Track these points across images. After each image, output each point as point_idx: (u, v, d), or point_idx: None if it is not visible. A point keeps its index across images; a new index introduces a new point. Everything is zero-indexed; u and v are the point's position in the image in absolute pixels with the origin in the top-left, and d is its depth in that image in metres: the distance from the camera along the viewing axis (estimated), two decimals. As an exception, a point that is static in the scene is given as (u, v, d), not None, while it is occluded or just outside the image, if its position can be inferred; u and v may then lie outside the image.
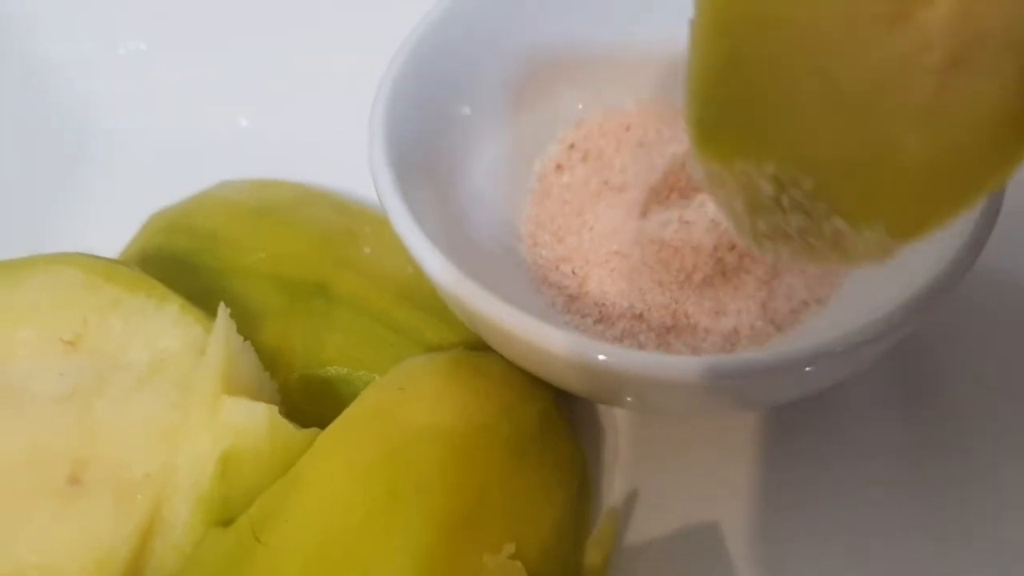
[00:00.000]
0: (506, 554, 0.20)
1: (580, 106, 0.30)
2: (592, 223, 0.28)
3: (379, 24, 0.28)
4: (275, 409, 0.22)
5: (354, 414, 0.22)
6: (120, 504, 0.21)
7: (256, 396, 0.23)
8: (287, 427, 0.22)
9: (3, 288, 0.23)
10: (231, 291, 0.27)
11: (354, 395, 0.23)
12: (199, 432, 0.21)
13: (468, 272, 0.22)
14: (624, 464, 0.26)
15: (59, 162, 0.34)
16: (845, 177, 0.15)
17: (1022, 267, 0.29)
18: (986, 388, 0.27)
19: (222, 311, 0.23)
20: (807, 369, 0.20)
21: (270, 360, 0.25)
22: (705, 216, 0.26)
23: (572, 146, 0.30)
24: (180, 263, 0.28)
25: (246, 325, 0.24)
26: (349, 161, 0.27)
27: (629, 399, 0.24)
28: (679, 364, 0.20)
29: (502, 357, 0.24)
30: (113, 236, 0.30)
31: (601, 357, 0.20)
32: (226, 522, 0.21)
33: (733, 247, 0.25)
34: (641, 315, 0.26)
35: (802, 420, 0.27)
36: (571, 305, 0.26)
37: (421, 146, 0.26)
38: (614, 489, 0.25)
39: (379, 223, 0.29)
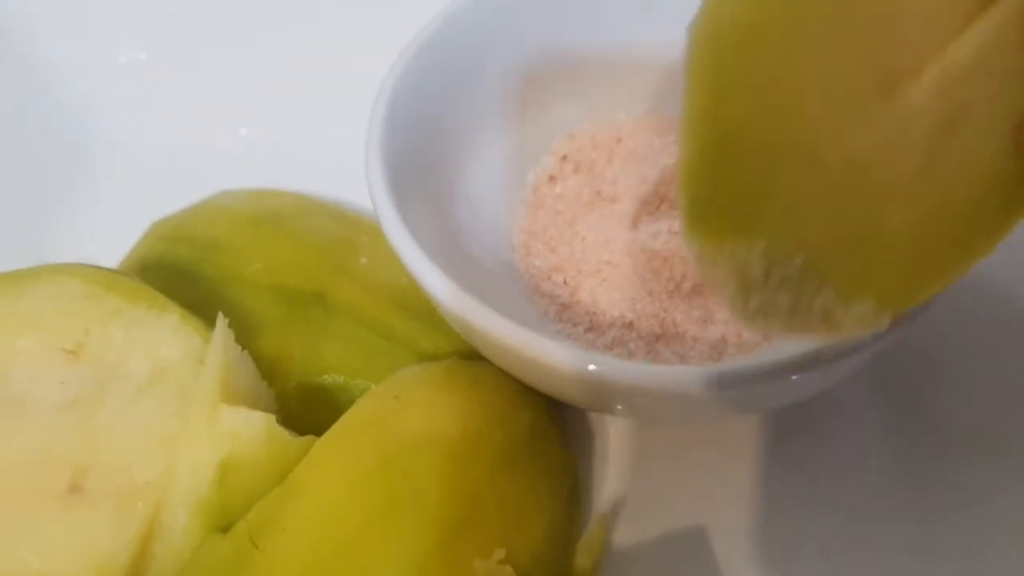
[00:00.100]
0: (496, 559, 0.21)
1: (573, 118, 0.31)
2: (584, 233, 0.28)
3: (377, 36, 0.29)
4: (272, 417, 0.22)
5: (350, 422, 0.23)
6: (121, 510, 0.22)
7: (254, 404, 0.23)
8: (284, 435, 0.22)
9: (6, 298, 0.24)
10: (230, 300, 0.27)
11: (351, 403, 0.24)
12: (198, 440, 0.22)
13: (462, 283, 0.22)
14: (614, 470, 0.26)
15: (61, 171, 0.34)
16: (835, 253, 0.16)
17: (1011, 274, 0.30)
18: (976, 393, 0.28)
19: (220, 321, 0.23)
20: (794, 377, 0.20)
21: (268, 368, 0.25)
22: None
23: (565, 157, 0.30)
24: (180, 272, 0.28)
25: (245, 334, 0.25)
26: (347, 170, 0.27)
27: (619, 407, 0.24)
28: (667, 373, 0.21)
29: (495, 366, 0.24)
30: (114, 244, 0.30)
31: (591, 367, 0.21)
32: (224, 528, 0.21)
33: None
34: (631, 324, 0.26)
35: (790, 426, 0.27)
36: (563, 314, 0.27)
37: (417, 158, 0.26)
38: (604, 494, 0.26)
39: (376, 232, 0.29)
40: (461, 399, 0.24)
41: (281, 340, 0.26)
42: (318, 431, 0.23)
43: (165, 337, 0.24)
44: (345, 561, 0.20)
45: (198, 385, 0.22)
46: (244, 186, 0.32)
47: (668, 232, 0.27)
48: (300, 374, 0.26)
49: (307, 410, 0.25)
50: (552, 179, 0.30)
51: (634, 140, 0.30)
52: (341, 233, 0.29)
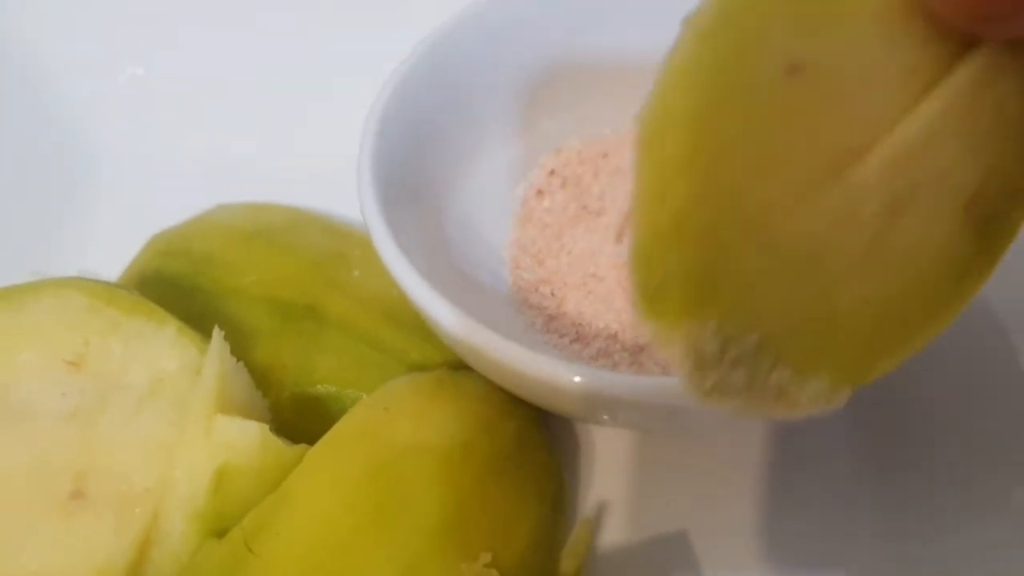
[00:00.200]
0: (482, 563, 0.22)
1: (560, 134, 0.31)
2: (570, 247, 0.29)
3: (368, 55, 0.30)
4: (266, 427, 0.23)
5: (341, 432, 0.23)
6: (120, 516, 0.22)
7: (249, 414, 0.24)
8: (278, 444, 0.23)
9: (9, 311, 0.25)
10: (225, 312, 0.28)
11: (342, 412, 0.24)
12: (195, 448, 0.22)
13: (450, 296, 0.23)
14: (599, 477, 0.27)
15: (61, 186, 0.35)
16: (788, 332, 0.16)
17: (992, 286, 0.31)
18: (953, 396, 0.29)
19: (216, 334, 0.24)
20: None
21: (262, 379, 0.26)
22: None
23: (552, 172, 0.31)
24: (177, 286, 0.29)
25: (240, 345, 0.25)
26: (339, 185, 0.28)
27: (604, 416, 0.25)
28: (650, 384, 0.22)
29: (483, 376, 0.25)
30: (113, 258, 0.31)
31: (576, 379, 0.21)
32: (220, 533, 0.22)
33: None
34: (616, 335, 0.27)
35: (769, 431, 0.28)
36: (550, 325, 0.28)
37: (408, 173, 0.27)
38: (589, 500, 0.27)
39: (368, 246, 0.30)
40: (449, 410, 0.24)
41: (275, 351, 0.27)
42: (311, 439, 0.24)
43: (163, 349, 0.25)
44: (337, 565, 0.21)
45: (195, 396, 0.23)
46: (239, 200, 0.32)
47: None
48: (293, 384, 0.27)
49: (300, 419, 0.26)
50: (540, 193, 0.31)
51: (620, 155, 0.31)
52: (333, 247, 0.30)
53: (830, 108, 0.15)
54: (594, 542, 0.26)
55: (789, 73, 0.15)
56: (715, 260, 0.15)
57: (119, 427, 0.24)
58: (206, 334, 0.25)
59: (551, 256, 0.29)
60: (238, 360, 0.24)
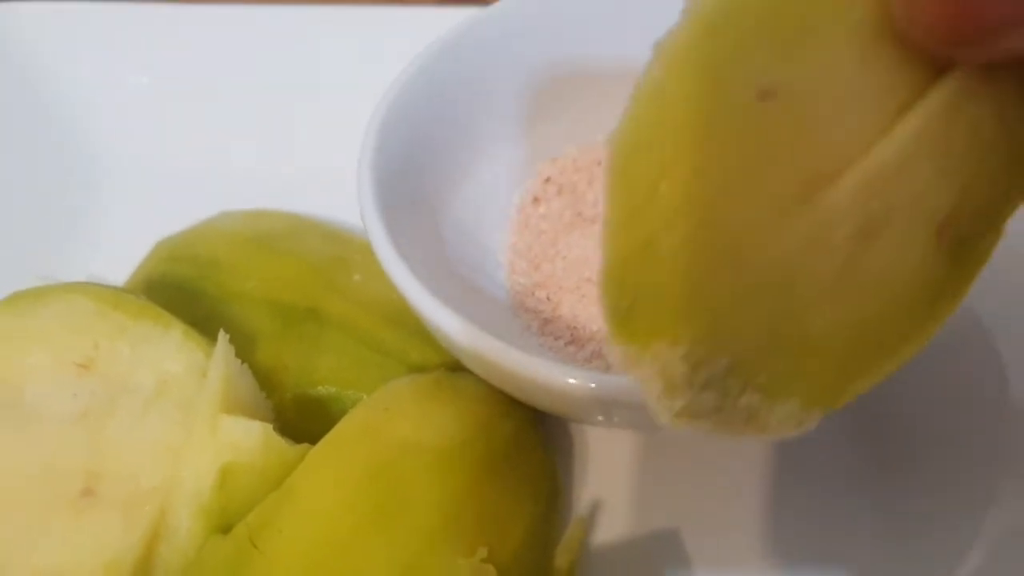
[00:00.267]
0: (479, 558, 0.22)
1: (556, 142, 0.32)
2: (565, 252, 0.30)
3: (367, 68, 0.30)
4: (270, 427, 0.24)
5: (343, 431, 0.24)
6: (129, 514, 0.23)
7: (253, 415, 0.24)
8: (281, 443, 0.24)
9: (19, 316, 0.25)
10: (229, 316, 0.28)
11: (343, 412, 0.25)
12: (201, 448, 0.23)
13: (448, 301, 0.24)
14: (592, 476, 0.28)
15: (70, 194, 0.36)
16: (758, 355, 0.15)
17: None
18: (931, 393, 0.29)
19: (222, 337, 0.25)
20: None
21: (265, 380, 0.27)
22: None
23: (548, 180, 0.32)
24: (182, 290, 0.29)
25: (243, 348, 0.26)
26: (340, 192, 0.28)
27: (597, 417, 0.26)
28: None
29: (480, 378, 0.26)
30: (120, 263, 0.31)
31: (571, 381, 0.22)
32: (225, 530, 0.23)
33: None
34: (609, 338, 0.28)
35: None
36: (545, 328, 0.28)
37: (406, 181, 0.28)
38: (583, 498, 0.27)
39: (367, 251, 0.30)
40: (447, 410, 0.25)
41: (277, 353, 0.28)
42: (313, 439, 0.24)
43: (169, 352, 0.25)
44: (338, 561, 0.22)
45: (201, 397, 0.24)
46: (243, 207, 0.33)
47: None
48: (295, 385, 0.28)
49: (302, 419, 0.27)
50: (536, 200, 0.32)
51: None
52: (334, 252, 0.31)
53: (803, 132, 0.15)
54: (588, 539, 0.27)
55: (762, 98, 0.15)
56: (686, 284, 0.15)
57: (127, 428, 0.24)
58: (211, 337, 0.25)
59: (547, 261, 0.30)
60: (242, 362, 0.25)
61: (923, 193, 0.15)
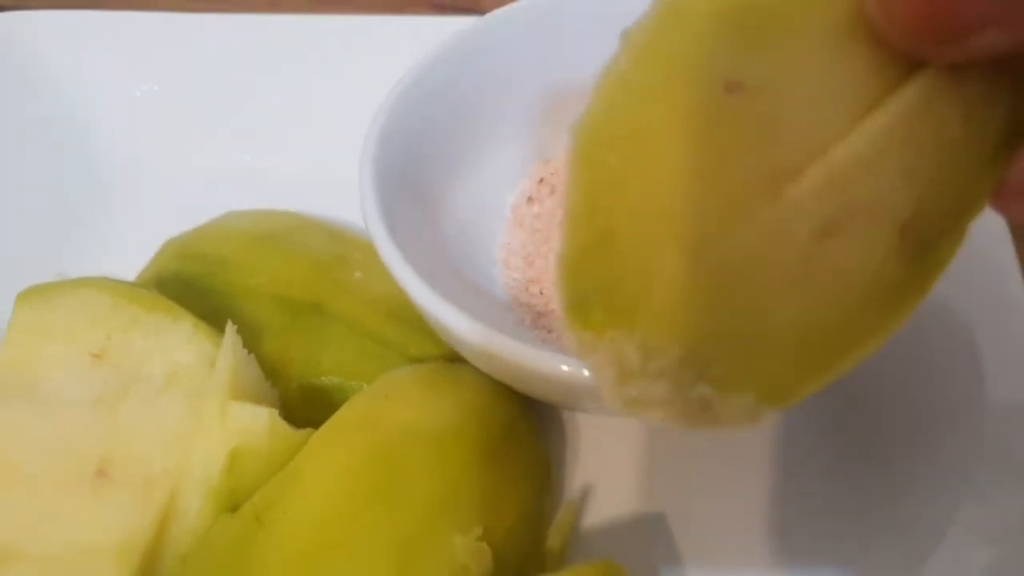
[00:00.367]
0: (474, 536, 0.23)
1: (549, 145, 0.33)
2: (558, 249, 0.31)
3: (370, 75, 0.32)
4: (276, 413, 0.25)
5: (345, 416, 0.25)
6: (142, 495, 0.24)
7: (259, 402, 0.25)
8: (286, 428, 0.25)
9: (39, 309, 0.27)
10: (237, 310, 0.29)
11: (346, 401, 0.26)
12: (210, 433, 0.24)
13: (445, 294, 0.25)
14: (583, 461, 0.29)
15: (83, 195, 0.37)
16: (714, 347, 0.15)
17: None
18: (902, 383, 0.30)
19: (230, 328, 0.26)
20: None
21: (271, 371, 0.28)
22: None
23: (541, 180, 0.33)
24: (191, 287, 0.30)
25: (250, 340, 0.27)
26: (342, 194, 0.30)
27: (588, 404, 0.27)
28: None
29: (476, 368, 0.27)
30: (130, 261, 0.32)
31: (563, 368, 0.23)
32: (233, 510, 0.24)
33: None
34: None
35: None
36: (538, 321, 0.30)
37: (406, 182, 0.29)
38: (574, 483, 0.29)
39: (369, 249, 0.32)
40: (445, 397, 0.26)
41: (283, 346, 0.29)
42: (317, 426, 0.25)
43: (180, 343, 0.27)
44: (339, 536, 0.23)
45: (210, 384, 0.25)
46: (249, 207, 0.34)
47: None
48: (301, 376, 0.29)
49: (308, 408, 0.28)
50: (530, 200, 0.33)
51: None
52: (337, 250, 0.32)
53: (769, 126, 0.15)
54: (579, 522, 0.28)
55: (728, 90, 0.15)
56: (642, 273, 0.15)
57: (139, 414, 0.25)
58: (220, 330, 0.27)
59: (540, 257, 0.31)
60: (249, 353, 0.26)
61: (887, 192, 0.15)
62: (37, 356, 0.26)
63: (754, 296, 0.15)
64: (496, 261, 0.32)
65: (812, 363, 0.16)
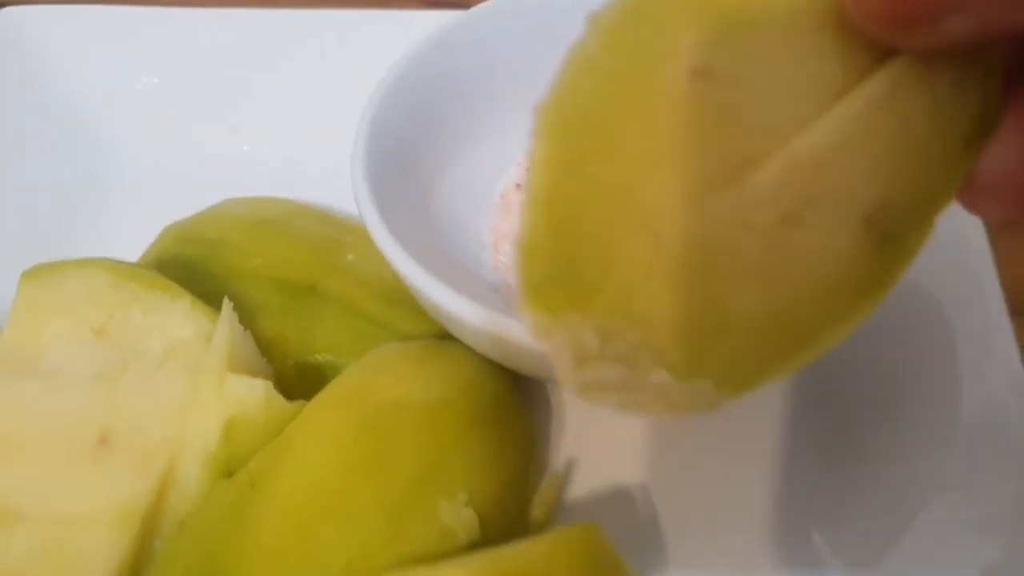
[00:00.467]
0: (460, 502, 0.24)
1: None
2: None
3: (362, 67, 0.33)
4: (271, 385, 0.26)
5: (337, 388, 0.26)
6: (142, 463, 0.25)
7: (255, 376, 0.26)
8: (281, 400, 0.26)
9: (42, 288, 0.28)
10: (234, 292, 0.30)
11: (338, 376, 0.27)
12: (207, 404, 0.25)
13: (435, 273, 0.26)
14: (568, 435, 0.30)
15: (86, 182, 0.38)
16: (672, 333, 0.15)
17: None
18: (875, 362, 0.31)
19: (226, 305, 0.27)
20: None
21: (267, 349, 0.29)
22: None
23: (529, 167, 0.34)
24: (190, 268, 0.31)
25: (247, 320, 0.28)
26: (335, 181, 0.31)
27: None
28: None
29: (464, 345, 0.28)
30: (131, 247, 0.33)
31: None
32: (229, 476, 0.25)
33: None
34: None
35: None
36: (525, 302, 0.31)
37: (397, 170, 0.30)
38: (559, 456, 0.30)
39: (361, 234, 0.32)
40: (434, 371, 0.27)
41: (279, 325, 0.30)
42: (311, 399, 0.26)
43: (178, 320, 0.27)
44: (330, 500, 0.24)
45: (207, 356, 0.26)
46: (246, 195, 0.35)
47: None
48: (295, 354, 0.29)
49: (302, 384, 0.28)
50: (519, 186, 0.34)
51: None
52: (330, 234, 0.33)
53: (733, 114, 0.15)
54: (563, 494, 0.29)
55: (693, 76, 0.15)
56: (602, 257, 0.15)
57: (138, 387, 0.26)
58: (217, 310, 0.27)
59: (528, 241, 0.32)
60: (245, 329, 0.27)
61: (852, 182, 0.15)
62: (41, 333, 0.27)
63: (714, 283, 0.15)
64: (485, 245, 0.33)
65: (773, 351, 0.16)
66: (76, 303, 0.27)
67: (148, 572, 0.24)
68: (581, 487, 0.29)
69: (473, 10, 0.32)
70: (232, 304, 0.27)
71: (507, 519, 0.26)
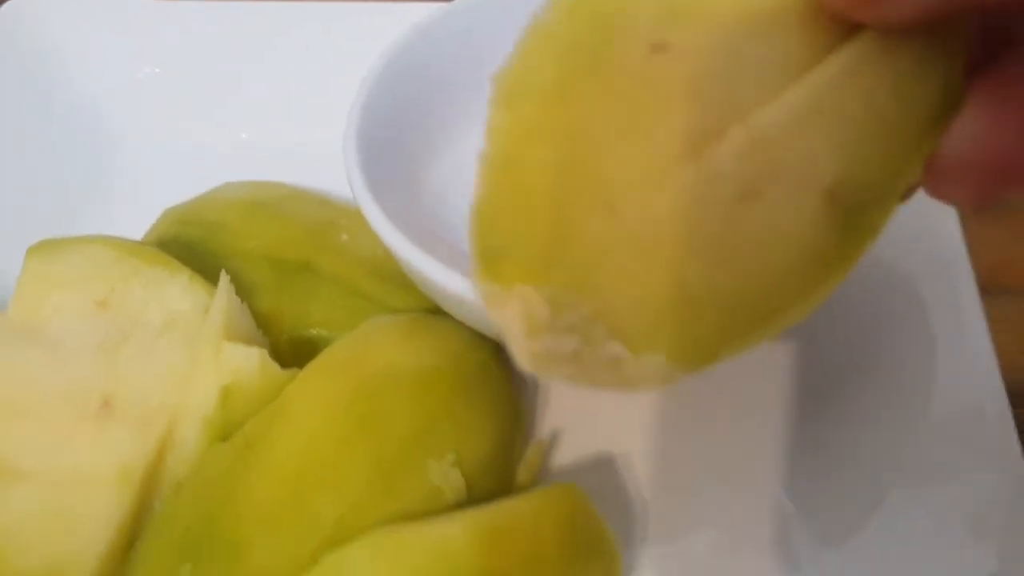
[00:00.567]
0: (447, 463, 0.25)
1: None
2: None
3: (355, 55, 0.34)
4: (266, 352, 0.27)
5: (330, 356, 0.27)
6: (141, 427, 0.26)
7: (250, 345, 0.28)
8: (275, 367, 0.27)
9: (48, 262, 0.29)
10: (232, 270, 0.30)
11: (332, 349, 0.28)
12: (205, 370, 0.26)
13: (425, 249, 0.27)
14: (552, 404, 0.31)
15: (90, 168, 0.39)
16: (626, 306, 0.15)
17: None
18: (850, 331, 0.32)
19: (223, 277, 0.28)
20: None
21: (263, 323, 0.30)
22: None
23: (518, 151, 0.35)
24: (190, 249, 0.32)
25: (244, 297, 0.29)
26: (330, 167, 0.31)
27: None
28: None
29: (452, 318, 0.29)
30: (134, 227, 0.34)
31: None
32: (225, 440, 0.26)
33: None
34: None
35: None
36: (511, 280, 0.32)
37: (389, 153, 0.31)
38: (544, 425, 0.30)
39: (354, 215, 0.33)
40: (423, 341, 0.28)
41: (275, 301, 0.31)
42: (304, 370, 0.27)
43: (176, 293, 0.29)
44: (322, 464, 0.25)
45: (205, 326, 0.27)
46: (244, 179, 0.36)
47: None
48: (291, 328, 0.30)
49: (297, 357, 0.29)
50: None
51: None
52: (325, 215, 0.34)
53: (693, 88, 0.15)
54: (548, 462, 0.30)
55: (654, 51, 0.15)
56: (558, 229, 0.15)
57: (138, 356, 0.27)
58: (215, 286, 0.28)
59: (515, 222, 0.33)
60: (242, 302, 0.28)
61: (813, 156, 0.14)
62: (45, 305, 0.28)
63: (672, 256, 0.15)
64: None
65: (731, 326, 0.15)
66: (79, 277, 0.28)
67: (147, 530, 0.25)
68: (565, 455, 0.30)
69: (459, 0, 0.33)
70: (229, 278, 0.28)
71: (493, 482, 0.27)
